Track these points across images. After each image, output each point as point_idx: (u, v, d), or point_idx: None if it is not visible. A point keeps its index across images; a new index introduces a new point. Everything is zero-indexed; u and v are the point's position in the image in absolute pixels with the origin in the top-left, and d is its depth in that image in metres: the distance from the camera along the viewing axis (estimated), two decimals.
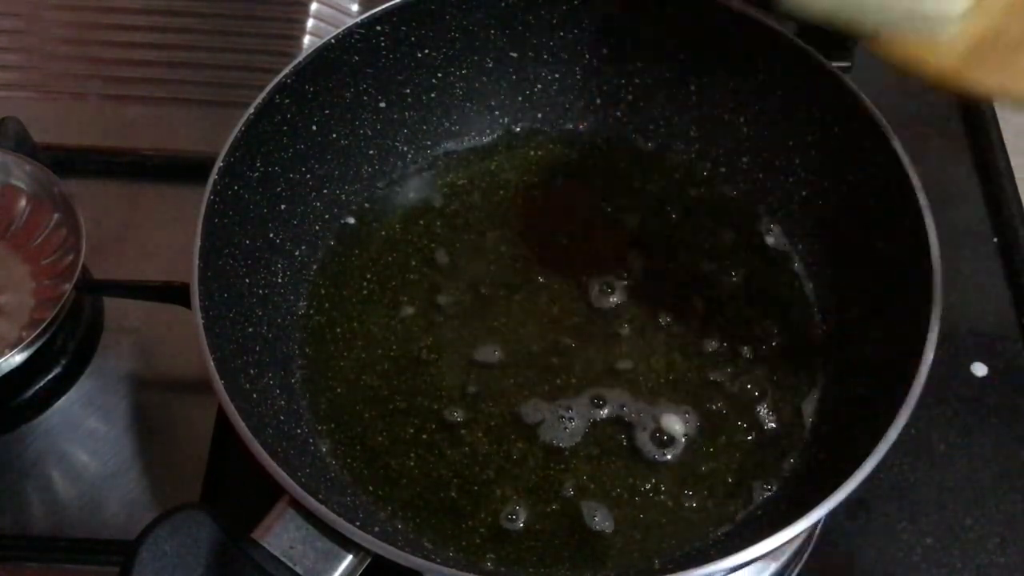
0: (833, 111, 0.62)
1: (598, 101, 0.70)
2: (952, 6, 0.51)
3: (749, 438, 0.59)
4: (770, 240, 0.66)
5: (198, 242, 0.55)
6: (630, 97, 0.70)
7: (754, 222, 0.67)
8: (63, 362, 0.66)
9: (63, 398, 0.65)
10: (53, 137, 0.75)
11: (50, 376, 0.65)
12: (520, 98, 0.71)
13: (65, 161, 0.73)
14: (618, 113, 0.70)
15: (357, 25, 0.63)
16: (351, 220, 0.67)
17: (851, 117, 0.61)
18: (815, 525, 0.54)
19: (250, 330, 0.59)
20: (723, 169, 0.69)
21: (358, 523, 0.47)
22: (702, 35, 0.66)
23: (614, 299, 0.65)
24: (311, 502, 0.48)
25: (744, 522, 0.56)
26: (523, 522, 0.56)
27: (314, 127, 0.65)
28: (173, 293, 0.61)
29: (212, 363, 0.51)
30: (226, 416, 0.50)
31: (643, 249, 0.67)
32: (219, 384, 0.51)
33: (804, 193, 0.65)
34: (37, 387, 0.65)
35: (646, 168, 0.70)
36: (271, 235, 0.63)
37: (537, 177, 0.70)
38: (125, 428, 0.64)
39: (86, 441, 0.64)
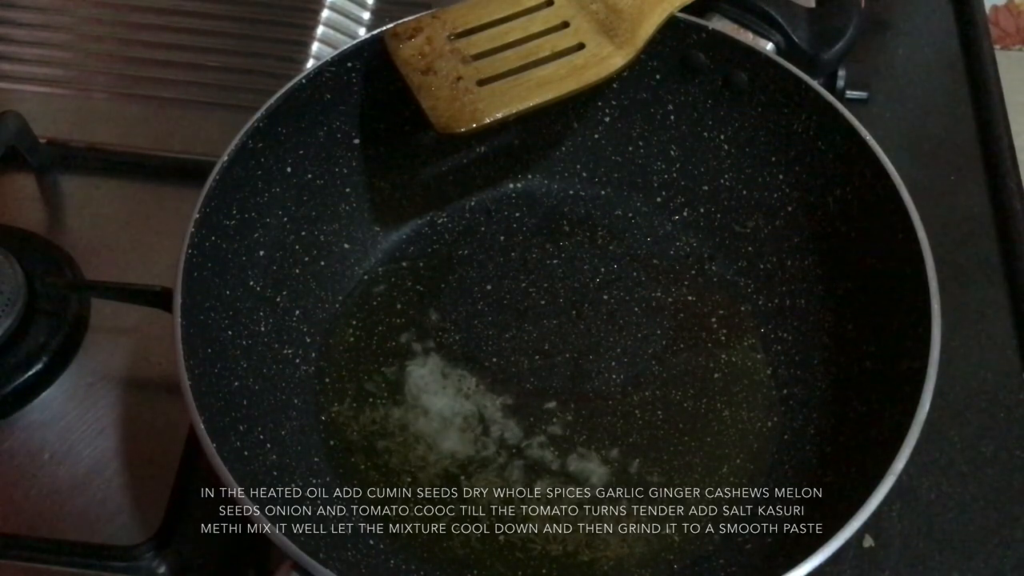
0: (815, 125, 0.62)
1: (575, 125, 0.69)
2: None
3: (750, 467, 0.59)
4: (758, 257, 0.66)
5: (179, 299, 0.53)
6: (607, 119, 0.69)
7: (740, 240, 0.67)
8: (44, 359, 0.65)
9: (43, 395, 0.64)
10: (55, 132, 0.75)
11: (31, 372, 0.64)
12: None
13: (66, 157, 0.74)
14: (596, 136, 0.69)
15: (327, 64, 0.62)
16: (332, 262, 0.66)
17: (833, 129, 0.61)
18: None
19: (236, 384, 0.57)
20: (705, 188, 0.68)
21: None
22: (678, 55, 0.65)
23: (604, 325, 0.64)
24: (314, 565, 0.46)
25: (752, 552, 0.55)
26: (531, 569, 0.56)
27: (288, 169, 0.63)
28: (156, 297, 0.60)
29: (202, 425, 0.50)
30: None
31: (627, 275, 0.66)
32: (210, 447, 0.49)
33: (790, 209, 0.64)
34: (17, 383, 0.64)
35: (628, 190, 0.69)
36: (251, 283, 0.61)
37: (516, 210, 0.69)
38: (102, 429, 0.63)
39: (62, 439, 0.63)
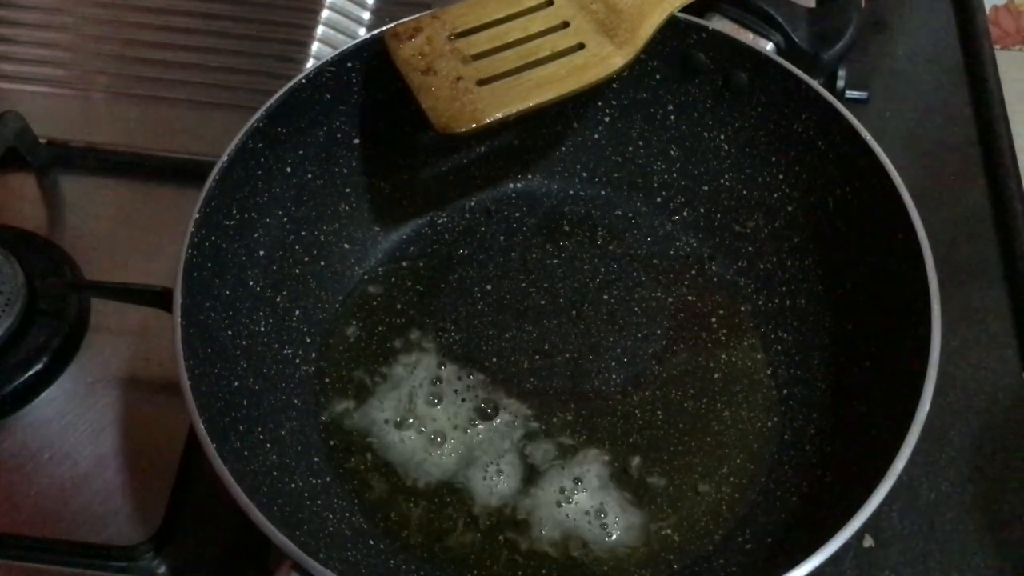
0: (815, 125, 0.62)
1: (575, 125, 0.69)
2: None
3: (750, 467, 0.59)
4: (758, 257, 0.66)
5: (179, 299, 0.53)
6: (607, 119, 0.69)
7: (740, 240, 0.67)
8: (44, 359, 0.65)
9: (43, 395, 0.65)
10: (55, 132, 0.75)
11: (31, 372, 0.64)
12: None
13: (66, 157, 0.74)
14: (596, 136, 0.69)
15: (327, 64, 0.62)
16: (332, 262, 0.66)
17: (833, 130, 0.61)
18: None
19: (236, 384, 0.57)
20: (705, 188, 0.68)
21: None
22: (678, 55, 0.65)
23: (604, 325, 0.64)
24: (313, 565, 0.46)
25: (752, 552, 0.55)
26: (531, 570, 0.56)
27: (288, 169, 0.63)
28: (156, 297, 0.60)
29: (202, 425, 0.50)
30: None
31: (627, 275, 0.66)
32: (210, 448, 0.49)
33: (790, 209, 0.64)
34: (17, 383, 0.64)
35: (628, 190, 0.69)
36: (251, 283, 0.61)
37: (516, 210, 0.69)
38: (102, 429, 0.63)
39: (62, 439, 0.63)
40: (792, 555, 0.47)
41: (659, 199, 0.69)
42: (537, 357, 0.63)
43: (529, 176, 0.70)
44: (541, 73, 0.59)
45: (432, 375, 0.62)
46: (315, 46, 0.81)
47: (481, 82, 0.58)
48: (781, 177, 0.65)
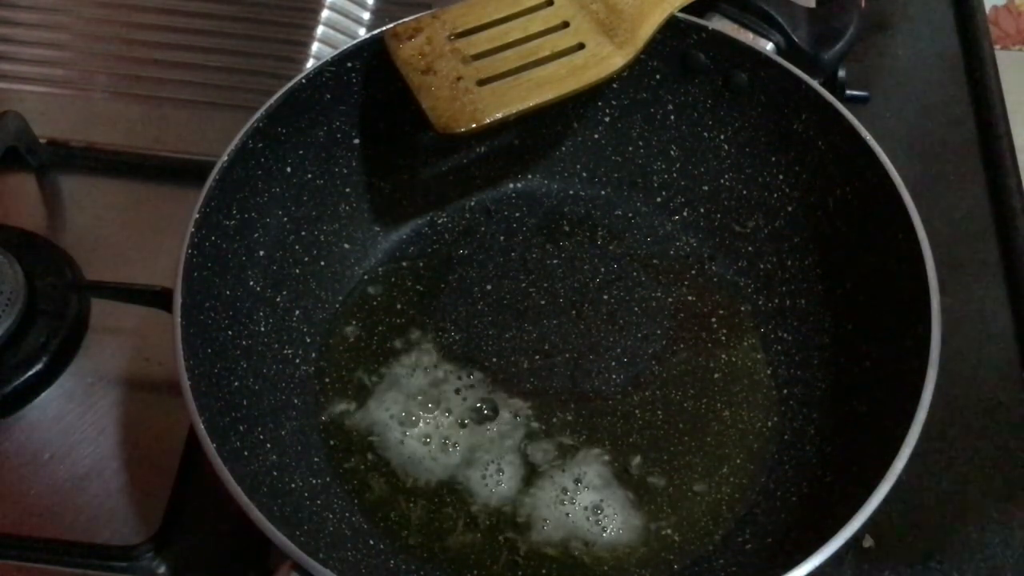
0: (815, 125, 0.62)
1: (575, 125, 0.70)
2: None
3: (750, 467, 0.59)
4: (758, 257, 0.66)
5: (179, 299, 0.53)
6: (607, 119, 0.69)
7: (740, 240, 0.67)
8: (44, 359, 0.65)
9: (43, 395, 0.65)
10: (55, 132, 0.75)
11: (31, 372, 0.64)
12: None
13: (66, 157, 0.74)
14: (596, 136, 0.69)
15: (327, 64, 0.62)
16: (332, 262, 0.66)
17: (833, 130, 0.61)
18: None
19: (236, 384, 0.57)
20: (705, 188, 0.68)
21: None
22: (678, 55, 0.65)
23: (604, 325, 0.64)
24: (313, 565, 0.46)
25: (752, 552, 0.55)
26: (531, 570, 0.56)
27: (288, 169, 0.63)
28: (156, 297, 0.60)
29: (202, 425, 0.50)
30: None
31: (627, 275, 0.66)
32: (211, 448, 0.49)
33: (790, 209, 0.64)
34: (17, 383, 0.64)
35: (628, 190, 0.69)
36: (251, 283, 0.61)
37: (516, 210, 0.69)
38: (102, 429, 0.63)
39: (62, 439, 0.63)
40: (792, 555, 0.48)
41: (659, 199, 0.69)
42: (537, 357, 0.63)
43: (529, 176, 0.70)
44: (541, 73, 0.59)
45: (432, 375, 0.62)
46: (315, 46, 0.81)
47: (481, 82, 0.58)
48: (781, 177, 0.65)
